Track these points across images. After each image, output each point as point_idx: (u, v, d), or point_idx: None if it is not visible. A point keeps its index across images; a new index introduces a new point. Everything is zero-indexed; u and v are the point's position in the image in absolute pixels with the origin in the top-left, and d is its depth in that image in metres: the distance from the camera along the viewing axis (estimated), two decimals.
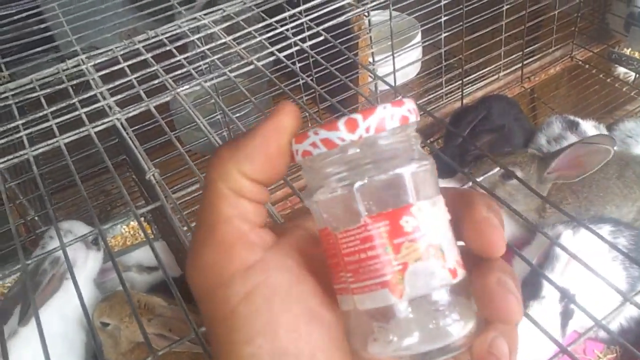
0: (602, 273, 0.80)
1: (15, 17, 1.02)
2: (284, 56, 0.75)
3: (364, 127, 0.24)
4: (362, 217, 0.24)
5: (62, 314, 0.86)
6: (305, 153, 0.26)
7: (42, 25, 1.00)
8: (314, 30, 0.80)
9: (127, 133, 0.65)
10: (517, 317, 0.25)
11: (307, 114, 0.71)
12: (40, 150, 0.68)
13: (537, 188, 0.90)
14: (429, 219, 0.24)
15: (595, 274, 0.46)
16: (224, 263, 0.25)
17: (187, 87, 0.70)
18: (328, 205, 0.25)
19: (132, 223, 1.16)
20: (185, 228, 0.52)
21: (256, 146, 0.26)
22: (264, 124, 0.27)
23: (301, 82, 1.20)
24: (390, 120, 0.25)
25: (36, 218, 1.09)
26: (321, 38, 0.79)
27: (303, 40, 0.79)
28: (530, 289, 0.79)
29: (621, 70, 1.39)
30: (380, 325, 0.24)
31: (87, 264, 0.92)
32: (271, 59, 0.76)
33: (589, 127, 1.12)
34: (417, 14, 1.32)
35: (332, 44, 0.78)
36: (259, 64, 0.74)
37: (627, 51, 1.39)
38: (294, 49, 0.78)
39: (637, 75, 1.35)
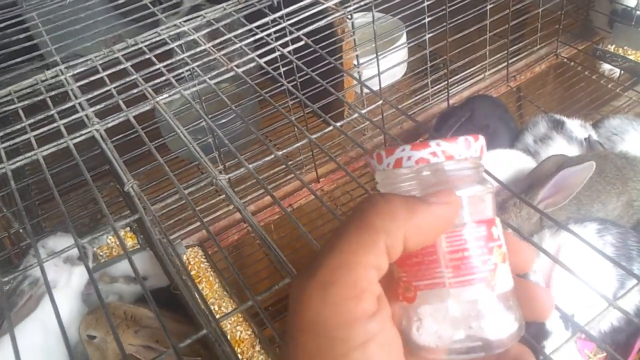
0: (592, 271, 0.80)
1: None
2: (269, 60, 0.75)
3: (474, 147, 0.30)
4: (468, 221, 0.29)
5: (43, 326, 0.85)
6: (421, 160, 0.29)
7: (22, 35, 0.99)
8: (296, 35, 0.79)
9: (107, 144, 0.64)
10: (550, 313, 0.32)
11: (292, 120, 0.71)
12: (20, 163, 0.67)
13: (529, 221, 0.91)
14: (501, 230, 0.31)
15: (580, 279, 0.46)
16: (353, 305, 0.26)
17: (167, 95, 0.70)
18: None
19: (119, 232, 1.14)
20: (164, 240, 0.51)
21: (428, 223, 0.28)
22: (442, 207, 0.28)
23: (285, 87, 1.19)
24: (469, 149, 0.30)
25: (21, 231, 1.07)
26: (304, 42, 0.78)
27: (285, 44, 0.78)
28: (534, 330, 0.78)
29: (606, 67, 1.39)
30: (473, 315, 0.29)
31: (71, 283, 0.91)
32: (254, 63, 0.75)
33: (575, 126, 1.12)
34: (401, 15, 1.31)
35: (315, 47, 0.77)
36: (244, 68, 0.73)
37: (612, 48, 1.39)
38: (277, 53, 0.78)
39: (622, 71, 1.36)
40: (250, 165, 0.57)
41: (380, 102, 0.65)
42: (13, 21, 1.02)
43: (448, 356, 0.29)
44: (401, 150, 0.29)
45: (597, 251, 0.47)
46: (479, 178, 0.31)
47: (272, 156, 0.59)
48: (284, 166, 1.27)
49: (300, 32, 0.78)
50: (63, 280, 0.90)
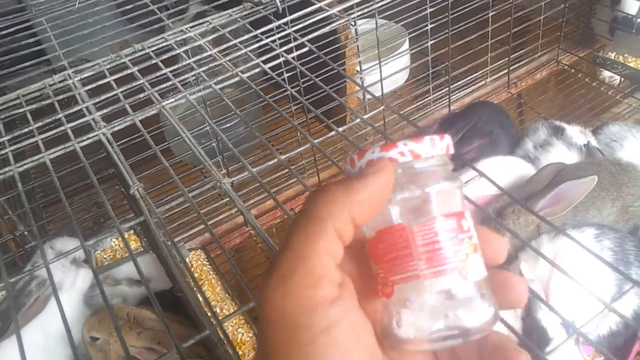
0: (590, 277, 0.80)
1: (4, 32, 1.02)
2: (273, 66, 0.76)
3: (440, 146, 0.32)
4: (437, 215, 0.31)
5: (44, 329, 0.86)
6: (391, 160, 0.31)
7: (31, 40, 1.00)
8: (300, 41, 0.80)
9: (113, 147, 0.65)
10: (525, 301, 0.32)
11: (295, 125, 0.72)
12: (27, 166, 0.68)
13: (527, 228, 0.93)
14: (471, 223, 0.32)
15: (578, 284, 0.47)
16: (311, 292, 0.27)
17: (173, 100, 0.71)
18: (408, 205, 0.32)
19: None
20: (169, 242, 0.52)
21: (368, 196, 0.29)
22: (376, 176, 0.30)
23: (289, 92, 1.21)
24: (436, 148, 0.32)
25: (26, 233, 1.08)
26: (308, 48, 0.79)
27: (290, 50, 0.79)
28: (536, 337, 0.78)
29: (606, 74, 1.40)
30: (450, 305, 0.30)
31: (75, 285, 0.92)
32: (259, 69, 0.77)
33: (575, 133, 1.13)
34: (404, 22, 1.33)
35: (319, 54, 0.78)
36: (248, 74, 0.75)
37: (612, 55, 1.40)
38: (282, 59, 0.79)
39: (622, 78, 1.37)
40: (254, 170, 0.58)
41: (382, 107, 0.66)
42: (22, 26, 1.03)
43: (429, 346, 0.30)
44: (371, 152, 0.31)
45: (595, 256, 0.48)
46: (446, 174, 0.32)
47: (275, 160, 0.60)
48: (285, 171, 1.28)
49: (305, 39, 0.79)
50: (69, 281, 0.91)
